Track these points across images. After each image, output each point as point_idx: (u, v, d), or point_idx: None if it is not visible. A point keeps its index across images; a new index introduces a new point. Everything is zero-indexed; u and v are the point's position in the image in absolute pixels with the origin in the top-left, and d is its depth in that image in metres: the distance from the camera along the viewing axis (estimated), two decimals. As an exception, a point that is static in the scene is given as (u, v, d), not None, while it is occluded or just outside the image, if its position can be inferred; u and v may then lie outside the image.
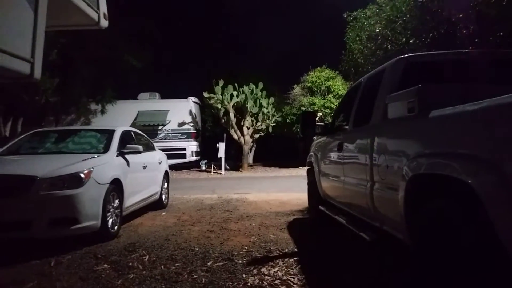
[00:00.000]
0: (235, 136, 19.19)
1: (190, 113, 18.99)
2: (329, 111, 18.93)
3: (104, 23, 3.96)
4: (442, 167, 2.11)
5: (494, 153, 1.72)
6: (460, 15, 7.24)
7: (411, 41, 8.25)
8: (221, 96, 18.58)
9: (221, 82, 18.67)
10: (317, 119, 13.44)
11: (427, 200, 2.29)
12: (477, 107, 1.88)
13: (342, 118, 4.86)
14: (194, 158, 19.06)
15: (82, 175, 4.61)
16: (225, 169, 18.44)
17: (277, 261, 3.96)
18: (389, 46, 9.18)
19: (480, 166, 1.76)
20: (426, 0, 7.89)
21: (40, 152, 5.83)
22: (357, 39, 11.25)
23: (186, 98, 19.30)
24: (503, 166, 1.63)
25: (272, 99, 19.67)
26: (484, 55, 3.85)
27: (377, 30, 9.69)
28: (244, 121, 19.22)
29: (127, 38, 15.21)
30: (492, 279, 1.73)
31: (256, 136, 20.13)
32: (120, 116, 16.92)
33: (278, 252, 4.34)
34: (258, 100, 19.07)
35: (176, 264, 3.92)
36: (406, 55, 3.59)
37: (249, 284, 3.33)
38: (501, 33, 6.76)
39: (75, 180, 4.55)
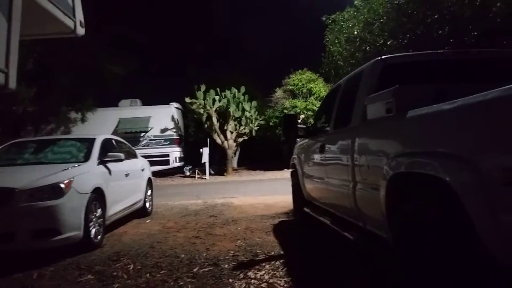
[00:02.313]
0: (219, 141, 19.14)
1: (173, 119, 18.87)
2: (312, 113, 19.04)
3: (81, 31, 3.90)
4: (420, 166, 2.14)
5: (470, 151, 1.76)
6: (436, 16, 7.38)
7: (388, 43, 8.36)
8: (203, 101, 18.52)
9: (203, 87, 18.62)
10: (299, 121, 13.47)
11: (407, 199, 2.32)
12: (453, 106, 1.92)
13: (323, 120, 4.90)
14: (177, 164, 18.92)
15: (62, 185, 4.54)
16: (210, 174, 18.37)
17: (264, 264, 3.97)
18: (367, 48, 9.28)
19: (457, 164, 1.80)
20: (402, 2, 8.03)
21: (19, 163, 5.72)
22: (336, 41, 11.35)
23: (168, 104, 19.17)
24: (479, 164, 1.66)
25: (254, 103, 19.70)
26: (459, 54, 3.94)
27: (355, 33, 9.79)
28: (227, 126, 19.19)
29: (107, 45, 15.05)
30: (472, 275, 1.77)
31: (240, 140, 20.11)
32: (101, 124, 16.68)
33: (264, 255, 4.34)
34: (240, 104, 19.09)
35: (162, 272, 3.88)
36: (383, 57, 3.64)
37: (235, 288, 3.33)
38: (476, 33, 6.91)
39: (56, 191, 4.47)
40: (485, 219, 1.64)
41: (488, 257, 1.65)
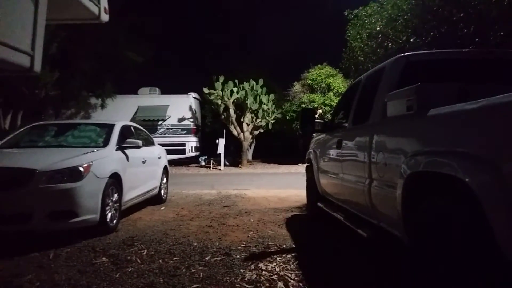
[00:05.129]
0: (235, 132, 19.20)
1: (190, 108, 18.98)
2: (329, 109, 18.93)
3: (105, 17, 3.95)
4: (440, 165, 2.12)
5: (492, 152, 1.73)
6: (461, 15, 7.24)
7: (411, 40, 8.25)
8: (221, 92, 18.57)
9: (221, 78, 18.66)
10: (316, 116, 13.47)
11: (424, 198, 2.30)
12: (476, 106, 1.89)
13: (341, 116, 4.87)
14: (193, 154, 19.07)
15: (81, 168, 4.63)
16: (225, 165, 18.46)
17: (275, 256, 3.99)
18: (389, 44, 9.17)
19: (478, 165, 1.77)
20: (427, -1, 7.90)
21: (40, 145, 5.84)
22: (358, 37, 11.24)
23: (186, 93, 19.29)
24: (500, 164, 1.64)
25: (272, 96, 19.66)
26: (484, 54, 3.86)
27: (378, 28, 9.68)
28: (244, 118, 19.22)
29: (128, 32, 15.19)
30: (487, 277, 1.75)
31: (256, 132, 20.15)
32: (120, 111, 16.92)
33: (276, 247, 4.36)
34: (258, 96, 19.07)
35: (174, 258, 3.94)
36: (406, 54, 3.59)
37: (246, 279, 3.35)
38: (502, 33, 6.76)
39: (74, 174, 4.56)
40: (504, 221, 1.62)
41: (505, 258, 1.63)
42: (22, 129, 6.43)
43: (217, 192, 9.37)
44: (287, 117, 20.94)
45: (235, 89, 18.76)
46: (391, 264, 3.65)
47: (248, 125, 19.35)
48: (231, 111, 18.83)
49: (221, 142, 17.75)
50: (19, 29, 2.63)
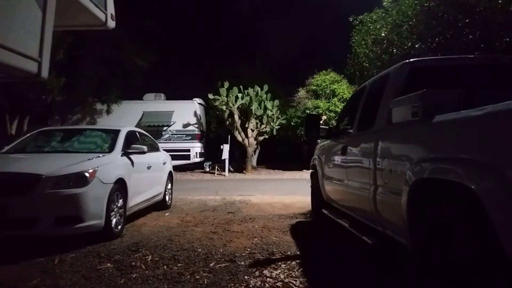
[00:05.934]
0: (239, 138, 19.21)
1: (195, 114, 19.05)
2: (334, 115, 18.91)
3: (111, 23, 3.99)
4: (445, 172, 2.11)
5: (497, 159, 1.72)
6: (466, 20, 7.21)
7: (416, 46, 8.23)
8: (226, 98, 18.60)
9: (226, 84, 18.69)
10: (321, 122, 13.45)
11: (430, 205, 2.29)
12: (481, 112, 1.88)
13: (346, 122, 4.87)
14: (198, 160, 19.09)
15: (87, 174, 4.65)
16: (229, 171, 18.45)
17: (279, 263, 3.97)
18: (394, 50, 9.16)
19: (483, 172, 1.77)
20: (432, 5, 7.87)
21: (46, 151, 5.88)
22: (363, 43, 11.22)
23: (191, 99, 19.37)
24: (506, 171, 1.63)
25: (277, 102, 19.67)
26: (489, 60, 3.85)
27: (383, 34, 9.66)
28: (248, 123, 19.22)
29: (133, 38, 15.31)
30: (493, 283, 1.73)
31: (260, 138, 20.14)
32: (126, 116, 17.01)
33: (280, 254, 4.34)
34: (263, 102, 19.09)
35: (179, 265, 3.93)
36: (411, 60, 3.59)
37: (251, 285, 3.34)
38: (507, 39, 6.74)
39: (80, 179, 4.58)
40: (510, 228, 1.61)
41: (510, 264, 1.62)
42: (28, 135, 6.48)
43: (222, 198, 9.37)
44: (292, 123, 20.93)
45: (239, 95, 18.78)
46: (396, 271, 3.63)
47: (252, 131, 19.36)
48: (236, 117, 18.85)
49: (226, 148, 17.76)
50: (27, 36, 2.66)
